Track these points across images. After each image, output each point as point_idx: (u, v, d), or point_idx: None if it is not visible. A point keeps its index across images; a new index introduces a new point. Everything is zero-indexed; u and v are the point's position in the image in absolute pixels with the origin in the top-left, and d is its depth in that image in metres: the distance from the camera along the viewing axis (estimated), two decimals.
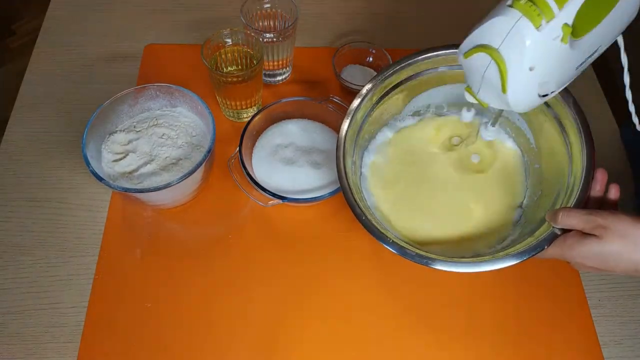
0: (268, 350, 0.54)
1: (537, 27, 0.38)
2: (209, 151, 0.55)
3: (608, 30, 0.43)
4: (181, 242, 0.60)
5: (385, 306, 0.57)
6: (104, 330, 0.54)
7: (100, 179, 0.53)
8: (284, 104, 0.63)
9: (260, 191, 0.56)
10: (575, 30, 0.40)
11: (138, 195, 0.54)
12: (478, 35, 0.42)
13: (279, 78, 0.72)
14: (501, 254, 0.49)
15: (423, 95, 0.62)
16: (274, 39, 0.64)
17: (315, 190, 0.59)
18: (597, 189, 0.49)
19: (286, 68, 0.71)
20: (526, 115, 0.60)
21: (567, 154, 0.54)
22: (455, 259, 0.48)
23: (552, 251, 0.47)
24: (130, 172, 0.57)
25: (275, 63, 0.69)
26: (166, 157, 0.58)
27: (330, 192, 0.56)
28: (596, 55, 0.45)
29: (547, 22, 0.38)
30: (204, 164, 0.55)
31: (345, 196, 0.51)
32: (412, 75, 0.60)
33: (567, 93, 0.54)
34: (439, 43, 0.78)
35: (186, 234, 0.60)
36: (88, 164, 0.53)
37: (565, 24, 0.39)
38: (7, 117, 0.67)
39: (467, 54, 0.44)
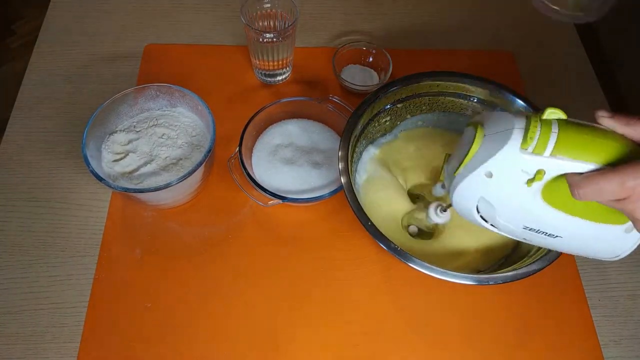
0: (268, 350, 0.54)
1: (522, 148, 0.37)
2: (209, 151, 0.55)
3: (577, 234, 0.40)
4: (181, 242, 0.60)
5: (386, 307, 0.57)
6: (104, 330, 0.54)
7: (100, 179, 0.53)
8: (284, 104, 0.63)
9: (260, 191, 0.56)
10: (548, 193, 0.38)
11: (138, 195, 0.54)
12: (488, 116, 0.42)
13: (279, 78, 0.72)
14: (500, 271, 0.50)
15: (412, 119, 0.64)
16: (274, 39, 0.64)
17: (315, 190, 0.59)
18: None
19: (286, 68, 0.71)
20: None
21: None
22: (457, 272, 0.48)
23: (613, 181, 0.33)
24: (130, 172, 0.57)
25: (275, 63, 0.68)
26: (166, 157, 0.58)
27: (330, 192, 0.56)
28: (549, 242, 0.42)
29: (532, 153, 0.37)
30: (204, 164, 0.55)
31: (353, 207, 0.51)
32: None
33: None
34: (439, 43, 0.79)
35: (186, 234, 0.60)
36: (88, 164, 0.53)
37: (541, 171, 0.37)
38: (7, 117, 0.67)
39: (469, 124, 0.44)
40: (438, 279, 0.48)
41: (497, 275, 0.49)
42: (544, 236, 0.42)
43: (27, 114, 0.68)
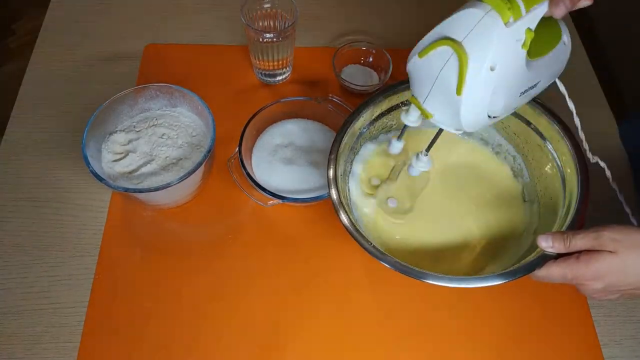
0: (268, 350, 0.54)
1: (506, 23, 0.37)
2: (208, 151, 0.55)
3: (546, 69, 0.44)
4: (181, 242, 0.60)
5: (385, 307, 0.57)
6: (104, 330, 0.54)
7: (100, 179, 0.53)
8: (284, 104, 0.63)
9: (260, 191, 0.56)
10: (533, 46, 0.40)
11: (138, 195, 0.54)
12: (439, 31, 0.41)
13: (278, 78, 0.72)
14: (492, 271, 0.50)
15: None
16: (274, 39, 0.64)
17: (315, 190, 0.59)
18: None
19: (286, 68, 0.71)
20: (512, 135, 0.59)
21: (560, 175, 0.55)
22: (449, 275, 0.47)
23: (558, 272, 0.44)
24: (130, 172, 0.57)
25: (275, 63, 0.69)
26: (166, 157, 0.58)
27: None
28: (534, 90, 0.45)
29: (515, 20, 0.38)
30: (204, 164, 0.55)
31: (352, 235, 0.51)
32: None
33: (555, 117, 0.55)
34: None
35: (186, 234, 0.60)
36: (88, 164, 0.53)
37: (529, 29, 0.38)
38: (7, 117, 0.67)
39: (424, 50, 0.41)
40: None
41: (489, 276, 0.48)
42: (530, 91, 0.44)
43: (27, 113, 0.68)
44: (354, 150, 0.59)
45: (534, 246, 0.50)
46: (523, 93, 0.44)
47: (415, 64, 0.43)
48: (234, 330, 0.55)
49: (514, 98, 0.44)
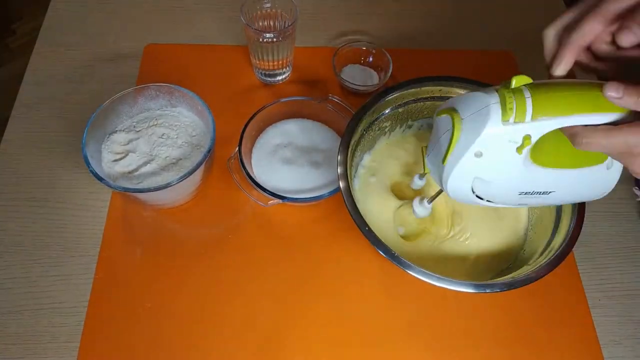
0: (267, 350, 0.54)
1: (503, 120, 0.38)
2: (208, 151, 0.55)
3: (568, 184, 0.43)
4: (181, 242, 0.60)
5: (384, 308, 0.57)
6: (104, 330, 0.54)
7: (100, 179, 0.53)
8: (284, 104, 0.63)
9: (260, 191, 0.56)
10: (536, 155, 0.40)
11: (138, 195, 0.54)
12: (457, 102, 0.42)
13: (278, 78, 0.72)
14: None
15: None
16: (274, 39, 0.64)
17: (315, 190, 0.60)
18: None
19: (286, 68, 0.71)
20: None
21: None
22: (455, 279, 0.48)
23: (620, 136, 0.36)
24: (130, 172, 0.57)
25: (275, 63, 0.69)
26: (166, 157, 0.58)
27: (330, 192, 0.56)
28: (544, 199, 0.44)
29: (515, 122, 0.38)
30: (203, 164, 0.55)
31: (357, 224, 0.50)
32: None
33: None
34: (439, 43, 0.79)
35: (186, 234, 0.60)
36: (88, 164, 0.53)
37: (528, 136, 0.38)
38: (7, 117, 0.67)
39: (439, 112, 0.43)
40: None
41: (495, 282, 0.49)
42: (538, 195, 0.43)
43: (27, 114, 0.68)
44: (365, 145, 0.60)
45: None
46: (525, 193, 0.43)
47: (434, 120, 0.45)
48: (234, 330, 0.55)
49: (510, 194, 0.43)
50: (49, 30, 0.77)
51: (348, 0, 0.83)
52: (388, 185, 0.60)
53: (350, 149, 0.55)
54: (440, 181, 0.44)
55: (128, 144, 0.59)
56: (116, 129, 0.60)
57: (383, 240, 0.49)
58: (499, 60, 0.77)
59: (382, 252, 0.48)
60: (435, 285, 0.47)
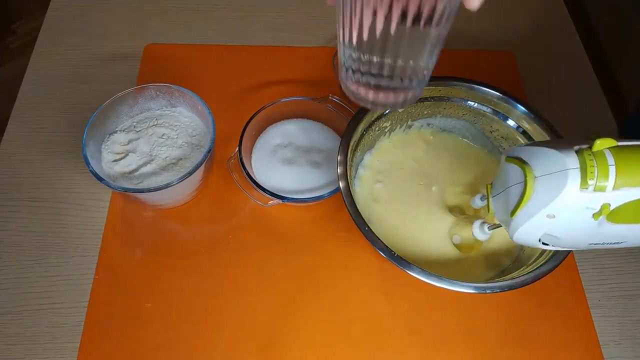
0: (267, 350, 0.54)
1: (582, 188, 0.36)
2: (208, 151, 0.55)
3: (637, 236, 0.40)
4: (181, 242, 0.60)
5: (384, 308, 0.57)
6: (104, 331, 0.54)
7: (100, 179, 0.53)
8: (284, 104, 0.63)
9: (260, 191, 0.56)
10: (613, 216, 0.38)
11: (138, 195, 0.54)
12: (530, 155, 0.40)
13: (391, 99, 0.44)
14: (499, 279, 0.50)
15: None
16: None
17: (315, 190, 0.59)
18: None
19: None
20: None
21: None
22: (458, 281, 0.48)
23: None
24: (130, 172, 0.57)
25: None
26: (166, 157, 0.58)
27: (330, 192, 0.56)
28: (614, 245, 0.42)
29: (594, 190, 0.36)
30: (203, 164, 0.55)
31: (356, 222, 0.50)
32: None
33: None
34: None
35: (186, 234, 0.60)
36: (88, 164, 0.53)
37: (607, 205, 0.36)
38: (7, 117, 0.67)
39: (509, 159, 0.42)
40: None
41: (495, 283, 0.49)
42: (609, 245, 0.42)
43: (27, 114, 0.68)
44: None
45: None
46: (595, 244, 0.42)
47: (503, 162, 0.44)
48: (234, 330, 0.55)
49: (580, 244, 0.42)
50: (49, 30, 0.77)
51: None
52: (445, 200, 0.60)
53: (350, 149, 0.55)
54: (507, 228, 0.43)
55: (128, 144, 0.59)
56: (116, 129, 0.60)
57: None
58: (499, 60, 0.77)
59: (382, 252, 0.48)
60: (435, 286, 0.47)
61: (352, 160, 0.56)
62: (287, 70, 0.73)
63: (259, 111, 0.61)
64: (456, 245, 0.57)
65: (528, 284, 0.48)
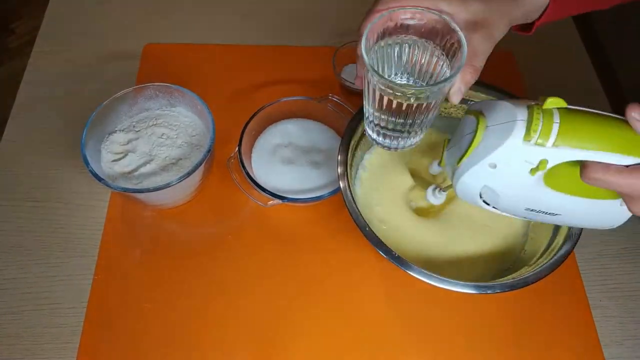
0: (267, 351, 0.54)
1: (525, 140, 0.37)
2: (208, 151, 0.55)
3: (577, 211, 0.42)
4: (181, 242, 0.60)
5: (385, 309, 0.57)
6: (103, 331, 0.54)
7: (99, 179, 0.53)
8: (284, 104, 0.63)
9: (260, 191, 0.56)
10: (549, 178, 0.39)
11: (137, 195, 0.54)
12: (487, 107, 0.41)
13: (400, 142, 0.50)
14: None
15: None
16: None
17: (314, 190, 0.59)
18: None
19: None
20: None
21: None
22: (455, 280, 0.48)
23: (629, 179, 0.35)
24: (129, 172, 0.57)
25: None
26: (165, 157, 0.58)
27: (330, 192, 0.56)
28: (549, 219, 0.44)
29: (535, 144, 0.37)
30: (203, 164, 0.55)
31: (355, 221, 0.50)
32: None
33: None
34: None
35: (186, 234, 0.60)
36: (87, 164, 0.53)
37: (545, 160, 0.38)
38: (6, 117, 0.67)
39: (469, 112, 0.43)
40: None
41: (496, 283, 0.49)
42: (544, 215, 0.43)
43: (26, 114, 0.68)
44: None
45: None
46: (531, 210, 0.43)
47: (463, 116, 0.45)
48: (234, 331, 0.55)
49: (517, 206, 0.44)
50: (48, 30, 0.77)
51: None
52: (406, 161, 0.61)
53: (350, 149, 0.55)
54: (453, 180, 0.44)
55: (127, 144, 0.59)
56: (116, 128, 0.60)
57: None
58: (499, 60, 0.76)
59: (383, 252, 0.48)
60: (436, 286, 0.47)
61: (352, 160, 0.56)
62: (287, 70, 0.73)
63: (258, 111, 0.61)
64: (413, 210, 0.58)
65: (529, 284, 0.48)
